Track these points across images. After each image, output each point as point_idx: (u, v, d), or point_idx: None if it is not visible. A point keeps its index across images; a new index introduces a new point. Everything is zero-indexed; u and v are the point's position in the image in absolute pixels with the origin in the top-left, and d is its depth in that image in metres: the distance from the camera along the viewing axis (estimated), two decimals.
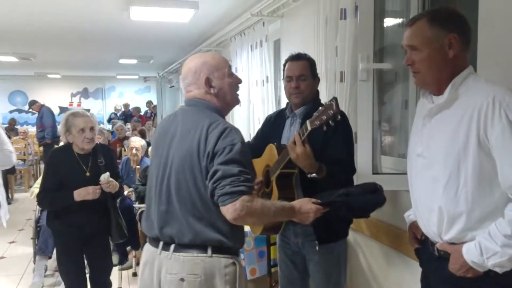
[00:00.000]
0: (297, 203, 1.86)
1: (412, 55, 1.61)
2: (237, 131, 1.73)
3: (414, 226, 1.82)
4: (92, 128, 2.98)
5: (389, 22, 2.99)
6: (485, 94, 1.47)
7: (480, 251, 1.46)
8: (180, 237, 1.74)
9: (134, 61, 9.40)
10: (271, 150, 2.29)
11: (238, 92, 1.92)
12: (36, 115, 10.40)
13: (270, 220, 1.81)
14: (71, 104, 15.13)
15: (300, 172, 2.18)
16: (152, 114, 12.75)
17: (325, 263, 2.35)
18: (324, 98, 2.65)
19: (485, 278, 1.50)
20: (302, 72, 2.31)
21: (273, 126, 2.51)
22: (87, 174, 2.96)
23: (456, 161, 1.51)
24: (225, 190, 1.62)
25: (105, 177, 2.95)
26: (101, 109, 15.55)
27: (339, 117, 1.88)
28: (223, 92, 1.84)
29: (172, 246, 1.76)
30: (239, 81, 1.91)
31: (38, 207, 4.40)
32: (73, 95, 15.40)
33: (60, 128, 3.02)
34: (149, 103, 13.91)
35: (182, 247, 1.74)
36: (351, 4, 2.56)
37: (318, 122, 1.92)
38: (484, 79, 1.57)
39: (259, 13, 4.10)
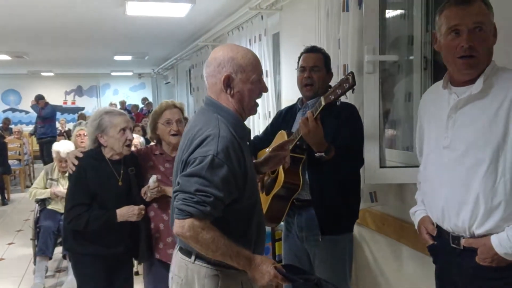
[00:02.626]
0: (259, 258, 1.63)
1: (477, 35, 1.52)
2: (220, 140, 1.55)
3: (425, 221, 1.77)
4: (131, 129, 2.59)
5: (389, 14, 2.96)
6: None
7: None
8: (176, 238, 1.76)
9: (129, 58, 9.35)
10: (281, 136, 2.31)
11: (258, 101, 1.76)
12: (30, 114, 10.34)
13: (215, 257, 1.59)
14: (65, 102, 15.08)
15: (308, 159, 2.21)
16: (148, 111, 12.68)
17: (330, 258, 2.34)
18: None
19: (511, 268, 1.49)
20: (316, 63, 2.33)
21: (283, 120, 2.53)
22: (120, 183, 2.57)
23: (496, 151, 1.48)
24: (177, 205, 1.55)
25: (154, 179, 2.54)
26: (96, 107, 15.45)
27: (354, 89, 1.90)
28: (240, 96, 1.66)
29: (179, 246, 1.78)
30: (264, 90, 1.72)
31: (37, 206, 4.36)
32: (67, 93, 15.30)
33: (90, 129, 2.56)
34: (144, 99, 13.85)
35: (180, 248, 1.76)
36: None
37: (333, 97, 1.94)
38: (509, 69, 1.57)
39: (258, 6, 4.05)
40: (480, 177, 1.51)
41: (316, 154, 2.08)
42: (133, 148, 4.90)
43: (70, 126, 12.25)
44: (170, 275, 1.81)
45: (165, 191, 2.58)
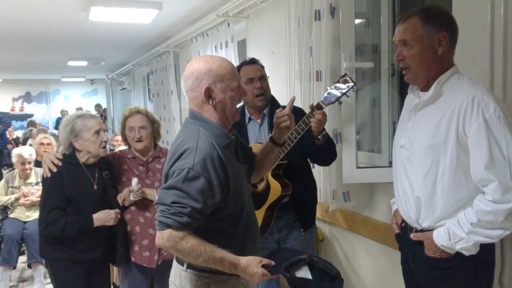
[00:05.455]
0: (244, 260, 1.62)
1: (403, 51, 1.69)
2: (198, 152, 1.58)
3: (396, 212, 1.93)
4: (104, 131, 2.63)
5: (356, 23, 3.10)
6: (466, 93, 1.58)
7: (448, 236, 1.61)
8: None
9: (84, 63, 9.11)
10: (255, 147, 2.36)
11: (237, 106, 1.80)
12: None
13: (199, 263, 1.63)
14: (13, 109, 14.50)
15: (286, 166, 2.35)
16: (102, 117, 12.41)
17: (307, 249, 2.48)
18: (298, 97, 2.76)
19: (458, 258, 1.63)
20: (262, 73, 2.46)
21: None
22: (95, 188, 2.59)
23: (436, 154, 1.63)
24: (157, 216, 1.60)
25: (136, 182, 2.57)
26: (46, 113, 14.96)
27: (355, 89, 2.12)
28: (223, 105, 1.69)
29: None
30: (243, 94, 1.77)
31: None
32: (14, 100, 14.73)
33: (64, 134, 2.55)
34: (97, 106, 13.55)
35: (175, 256, 1.79)
36: (326, 5, 2.62)
37: (334, 99, 2.15)
38: (467, 78, 1.68)
39: (225, 14, 4.12)
40: (421, 178, 1.67)
41: (319, 136, 2.22)
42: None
43: (18, 133, 11.80)
44: (169, 282, 1.85)
45: (145, 192, 2.62)
